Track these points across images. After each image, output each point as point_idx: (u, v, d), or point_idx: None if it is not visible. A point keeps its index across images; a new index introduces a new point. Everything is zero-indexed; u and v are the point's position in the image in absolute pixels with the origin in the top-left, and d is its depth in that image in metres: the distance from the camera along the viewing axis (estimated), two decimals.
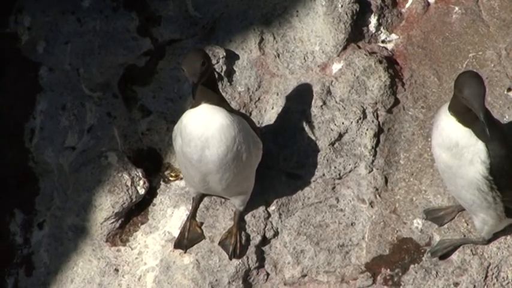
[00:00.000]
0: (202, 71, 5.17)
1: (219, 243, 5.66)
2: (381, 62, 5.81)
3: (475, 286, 5.51)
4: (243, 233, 5.69)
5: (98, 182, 5.61)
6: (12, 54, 5.85)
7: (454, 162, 5.31)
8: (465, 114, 5.18)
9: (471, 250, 5.58)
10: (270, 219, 5.59)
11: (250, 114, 5.87)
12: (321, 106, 5.74)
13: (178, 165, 5.78)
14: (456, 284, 5.53)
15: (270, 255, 5.56)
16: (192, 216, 5.75)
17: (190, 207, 5.73)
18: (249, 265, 5.51)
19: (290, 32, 5.90)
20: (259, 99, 5.80)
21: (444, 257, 5.58)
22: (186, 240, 5.67)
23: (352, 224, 5.64)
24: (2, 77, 5.80)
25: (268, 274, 5.54)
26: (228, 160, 5.42)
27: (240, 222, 5.72)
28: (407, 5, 6.00)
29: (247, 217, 5.58)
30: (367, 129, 5.74)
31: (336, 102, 5.79)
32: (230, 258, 5.57)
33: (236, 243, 5.64)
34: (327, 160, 5.68)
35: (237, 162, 5.42)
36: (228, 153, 5.39)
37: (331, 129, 5.71)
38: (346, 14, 5.83)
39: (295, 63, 5.84)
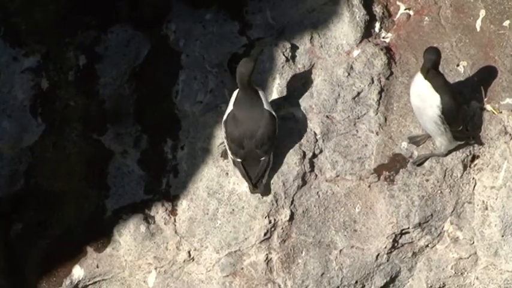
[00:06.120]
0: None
1: None
2: (382, 49, 6.50)
3: (438, 181, 6.38)
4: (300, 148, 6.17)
5: (215, 122, 6.39)
6: (165, 47, 6.52)
7: (421, 105, 6.12)
8: (429, 75, 6.00)
9: (435, 160, 6.41)
10: (317, 142, 6.40)
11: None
12: (347, 76, 6.46)
13: None
14: (427, 180, 6.39)
15: (317, 164, 6.39)
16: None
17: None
18: (305, 170, 6.36)
19: (328, 32, 6.50)
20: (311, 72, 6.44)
21: (420, 164, 6.42)
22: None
23: (365, 145, 6.46)
24: (159, 61, 6.46)
25: (316, 175, 6.41)
26: None
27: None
28: (397, 16, 6.56)
29: (304, 141, 6.33)
30: (374, 90, 6.48)
31: (356, 73, 6.49)
32: None
33: None
34: (351, 108, 6.44)
35: None
36: None
37: (353, 89, 6.45)
38: (361, 22, 6.49)
39: (332, 51, 6.50)
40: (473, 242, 6.39)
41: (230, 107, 6.10)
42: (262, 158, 6.15)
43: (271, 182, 6.35)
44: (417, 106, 6.14)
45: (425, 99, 6.07)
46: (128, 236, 6.34)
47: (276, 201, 6.32)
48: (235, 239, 6.32)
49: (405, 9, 6.55)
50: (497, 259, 6.35)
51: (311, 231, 6.32)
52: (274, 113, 6.05)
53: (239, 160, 6.14)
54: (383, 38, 6.57)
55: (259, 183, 6.19)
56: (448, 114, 6.04)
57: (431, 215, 6.36)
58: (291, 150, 6.32)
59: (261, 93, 6.04)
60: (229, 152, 6.12)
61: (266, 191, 6.23)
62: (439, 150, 6.35)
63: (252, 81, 5.97)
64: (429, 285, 6.43)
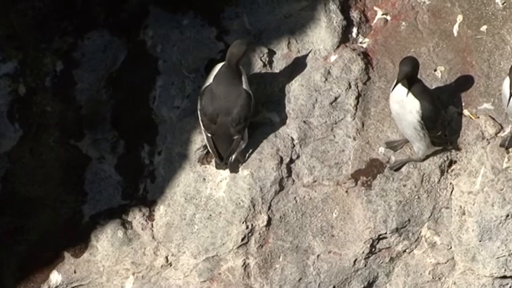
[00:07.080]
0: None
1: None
2: (359, 54, 6.56)
3: (415, 186, 6.45)
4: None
5: (193, 127, 6.45)
6: (142, 52, 6.57)
7: (401, 111, 6.21)
8: (407, 82, 6.10)
9: (413, 165, 6.48)
10: (294, 148, 6.46)
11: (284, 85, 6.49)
12: (324, 81, 6.52)
13: None
14: (404, 185, 6.47)
15: (295, 169, 6.45)
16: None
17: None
18: (282, 175, 6.42)
19: (306, 38, 6.56)
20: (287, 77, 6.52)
21: (397, 169, 6.50)
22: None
23: (343, 151, 6.50)
24: (136, 66, 6.50)
25: (293, 180, 6.46)
26: None
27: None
28: (374, 21, 6.62)
29: (281, 146, 6.39)
30: (351, 94, 6.55)
31: (333, 78, 6.55)
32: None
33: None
34: (328, 113, 6.50)
35: None
36: None
37: (330, 94, 6.52)
38: (338, 27, 6.55)
39: (309, 56, 6.55)
40: (451, 247, 6.45)
41: (209, 81, 6.18)
42: (235, 137, 6.23)
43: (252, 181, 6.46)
44: (396, 112, 6.22)
45: (404, 105, 6.14)
46: (105, 242, 6.40)
47: (254, 207, 6.39)
48: (212, 244, 6.39)
49: (382, 15, 6.63)
50: (474, 264, 6.41)
51: (288, 236, 6.39)
52: (251, 93, 6.13)
53: (209, 135, 6.23)
54: (360, 43, 6.65)
55: (228, 160, 6.29)
56: (427, 120, 6.13)
57: (409, 220, 6.42)
58: (268, 156, 6.41)
59: (243, 75, 6.14)
60: (201, 124, 6.24)
61: (234, 169, 6.34)
62: (416, 156, 6.42)
63: (240, 64, 6.09)
64: None
